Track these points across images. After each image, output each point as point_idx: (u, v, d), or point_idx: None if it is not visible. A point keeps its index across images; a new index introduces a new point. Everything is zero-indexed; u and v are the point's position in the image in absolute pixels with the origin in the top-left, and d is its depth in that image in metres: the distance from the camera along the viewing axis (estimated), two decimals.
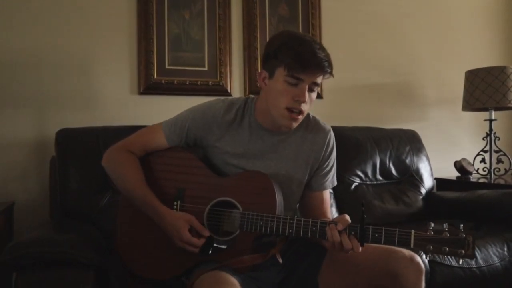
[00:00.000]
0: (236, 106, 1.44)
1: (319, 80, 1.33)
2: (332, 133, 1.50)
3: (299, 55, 1.27)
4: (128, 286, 1.44)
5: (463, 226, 1.18)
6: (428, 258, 1.19)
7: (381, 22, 2.82)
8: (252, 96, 1.49)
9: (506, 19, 3.17)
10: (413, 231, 1.19)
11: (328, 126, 1.51)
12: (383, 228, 1.21)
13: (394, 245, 1.22)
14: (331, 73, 1.34)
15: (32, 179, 2.12)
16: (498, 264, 1.89)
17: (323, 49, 1.31)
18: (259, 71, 1.41)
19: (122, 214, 1.47)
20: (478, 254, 1.86)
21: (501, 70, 2.61)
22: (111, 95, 2.26)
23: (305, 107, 1.33)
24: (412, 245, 1.19)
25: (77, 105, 2.19)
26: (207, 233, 1.31)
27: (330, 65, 1.31)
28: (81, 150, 1.86)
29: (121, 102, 2.28)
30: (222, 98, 1.49)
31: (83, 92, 2.21)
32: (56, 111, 2.15)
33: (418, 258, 1.29)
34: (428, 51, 2.94)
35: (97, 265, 1.35)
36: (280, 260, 1.36)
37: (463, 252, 1.15)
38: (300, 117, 1.35)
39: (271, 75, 1.35)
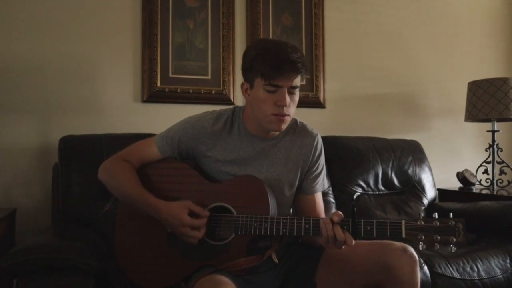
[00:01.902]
0: (225, 116, 1.48)
1: (296, 82, 1.36)
2: (319, 137, 1.54)
3: (272, 63, 1.31)
4: None
5: (452, 214, 1.20)
6: (421, 248, 1.20)
7: (384, 33, 2.84)
8: (239, 105, 1.54)
9: (509, 31, 3.18)
10: (403, 221, 1.22)
11: (315, 131, 1.54)
12: (374, 220, 1.24)
13: (387, 237, 1.24)
14: (306, 73, 1.37)
15: (34, 185, 2.13)
16: (501, 276, 1.88)
17: (296, 51, 1.34)
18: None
19: (120, 225, 1.48)
20: (480, 266, 1.86)
21: (503, 81, 2.61)
22: (114, 103, 2.27)
23: (289, 110, 1.37)
24: (403, 235, 1.21)
25: (80, 112, 2.21)
26: (206, 213, 1.33)
27: (304, 66, 1.34)
28: (84, 157, 1.86)
29: (125, 110, 2.29)
30: (210, 110, 1.53)
31: (86, 100, 2.23)
32: (59, 118, 2.17)
33: (410, 249, 1.31)
34: (431, 61, 2.95)
35: (97, 272, 1.36)
36: (276, 260, 1.37)
37: (454, 239, 1.18)
38: (287, 118, 1.38)
39: (251, 86, 1.40)
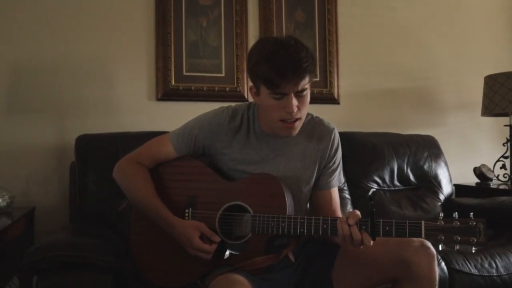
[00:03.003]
0: (240, 113, 1.46)
1: (302, 85, 1.29)
2: (336, 132, 1.51)
3: (273, 70, 1.25)
4: None
5: (472, 214, 1.17)
6: (440, 248, 1.18)
7: (398, 27, 2.81)
8: (254, 102, 1.49)
9: None
10: (423, 222, 1.19)
11: (332, 125, 1.51)
12: (393, 220, 1.22)
13: (406, 237, 1.22)
14: (312, 74, 1.31)
15: (52, 184, 2.16)
16: None
17: (299, 51, 1.27)
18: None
19: (135, 224, 1.48)
20: (498, 262, 1.84)
21: None
22: (129, 102, 2.29)
23: (299, 114, 1.33)
24: (423, 236, 1.19)
25: (96, 112, 2.23)
26: (217, 238, 1.33)
27: (308, 67, 1.27)
28: (100, 156, 1.88)
29: (140, 109, 2.31)
30: (225, 105, 1.50)
31: (102, 99, 2.25)
32: (76, 117, 2.19)
33: (428, 243, 1.29)
34: (446, 55, 2.91)
35: (115, 268, 1.37)
36: (293, 259, 1.37)
37: (475, 240, 1.15)
38: (297, 123, 1.35)
39: (257, 92, 1.36)
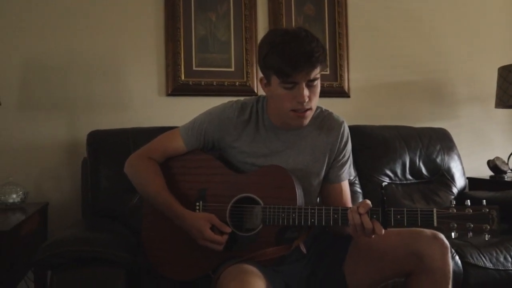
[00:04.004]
0: (249, 107, 1.46)
1: (314, 74, 1.29)
2: (345, 125, 1.50)
3: (284, 60, 1.25)
4: (159, 284, 1.46)
5: (485, 201, 1.16)
6: (453, 236, 1.17)
7: (409, 18, 2.77)
8: (263, 95, 1.49)
9: None
10: (435, 209, 1.18)
11: (341, 118, 1.50)
12: (405, 209, 1.21)
13: (417, 226, 1.21)
14: (323, 64, 1.30)
15: (65, 180, 2.18)
16: None
17: (310, 40, 1.27)
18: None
19: (146, 218, 1.49)
20: None
21: None
22: (140, 97, 2.30)
23: (310, 104, 1.33)
24: (435, 224, 1.18)
25: (107, 108, 2.24)
26: (228, 229, 1.33)
27: (320, 57, 1.27)
28: (111, 151, 1.90)
29: (150, 104, 2.32)
30: (234, 99, 1.50)
31: (112, 95, 2.26)
32: (87, 114, 2.21)
33: (441, 235, 1.28)
34: (459, 47, 2.87)
35: (128, 263, 1.38)
36: (304, 251, 1.37)
37: (488, 227, 1.14)
38: (308, 113, 1.35)
39: (268, 83, 1.36)
